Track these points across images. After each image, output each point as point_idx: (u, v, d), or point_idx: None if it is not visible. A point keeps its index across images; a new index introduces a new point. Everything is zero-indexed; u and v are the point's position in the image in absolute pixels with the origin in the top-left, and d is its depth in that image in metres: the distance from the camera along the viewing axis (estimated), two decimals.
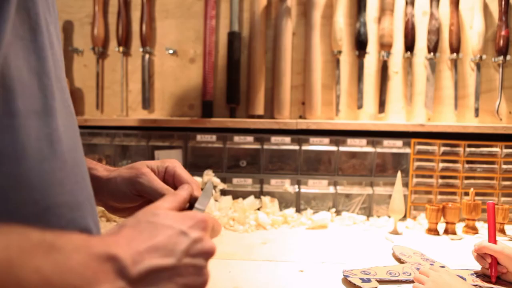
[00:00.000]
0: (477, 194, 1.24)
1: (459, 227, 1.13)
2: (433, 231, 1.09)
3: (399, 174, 1.10)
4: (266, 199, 1.21)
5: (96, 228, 0.45)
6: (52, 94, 0.40)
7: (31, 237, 0.30)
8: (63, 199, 0.40)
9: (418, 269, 0.79)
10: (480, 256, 0.77)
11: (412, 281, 0.73)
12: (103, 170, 0.58)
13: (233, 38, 1.30)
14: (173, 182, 0.56)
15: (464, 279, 0.74)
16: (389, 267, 0.80)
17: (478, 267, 0.80)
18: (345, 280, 0.74)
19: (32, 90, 0.39)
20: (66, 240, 0.33)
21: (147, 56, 1.34)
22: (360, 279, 0.73)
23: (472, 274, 0.78)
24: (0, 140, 0.35)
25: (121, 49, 1.35)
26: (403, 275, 0.76)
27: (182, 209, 0.48)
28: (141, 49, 1.34)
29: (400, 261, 0.86)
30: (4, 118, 0.36)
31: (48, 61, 0.41)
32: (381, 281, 0.73)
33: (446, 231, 1.09)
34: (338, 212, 1.23)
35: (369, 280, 0.72)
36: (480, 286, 0.73)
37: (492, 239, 0.77)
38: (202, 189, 0.53)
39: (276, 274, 0.78)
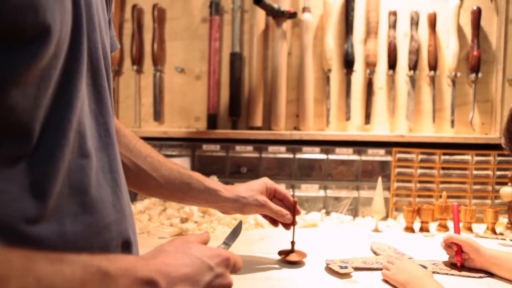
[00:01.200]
0: (451, 197, 1.40)
1: (433, 225, 1.29)
2: (409, 229, 1.24)
3: (379, 179, 1.26)
4: None
5: (133, 236, 0.55)
6: (106, 131, 0.50)
7: (91, 269, 0.36)
8: (114, 217, 0.50)
9: (391, 261, 0.94)
10: (448, 245, 0.93)
11: (381, 268, 0.88)
12: (225, 191, 0.85)
13: (235, 58, 1.46)
14: (274, 195, 0.91)
15: (425, 267, 0.90)
16: (365, 258, 0.96)
17: (442, 259, 0.95)
18: (327, 268, 0.90)
19: (93, 131, 0.48)
20: (117, 267, 0.39)
21: (158, 73, 1.51)
22: (339, 266, 0.88)
23: (434, 264, 0.93)
24: (73, 177, 0.44)
25: (134, 67, 1.51)
26: (375, 264, 0.92)
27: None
28: (152, 68, 1.50)
29: (375, 253, 1.01)
30: (78, 159, 0.44)
31: (104, 101, 0.50)
32: (356, 268, 0.89)
33: (421, 229, 1.25)
34: (327, 213, 1.39)
35: (346, 267, 0.88)
36: (438, 272, 0.88)
37: (457, 232, 0.93)
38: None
39: (271, 266, 0.93)
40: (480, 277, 0.87)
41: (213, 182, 0.87)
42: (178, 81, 1.52)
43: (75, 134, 0.44)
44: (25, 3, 0.36)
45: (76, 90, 0.44)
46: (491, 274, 0.87)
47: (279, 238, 1.14)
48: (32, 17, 0.37)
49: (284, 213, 0.89)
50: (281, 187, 0.96)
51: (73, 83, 0.44)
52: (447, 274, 0.88)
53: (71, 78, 0.44)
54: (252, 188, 0.88)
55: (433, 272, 0.88)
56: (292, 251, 0.95)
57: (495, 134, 1.49)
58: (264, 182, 0.91)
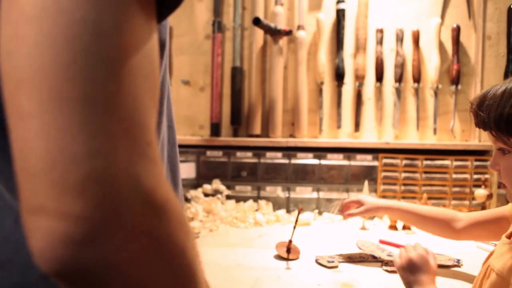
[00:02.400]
0: (432, 198, 1.53)
1: None
2: (393, 227, 1.38)
3: (366, 183, 1.40)
4: (262, 202, 1.51)
5: None
6: (163, 158, 0.48)
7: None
8: None
9: (372, 255, 1.08)
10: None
11: (361, 261, 1.02)
12: None
13: (236, 71, 1.60)
14: None
15: None
16: (350, 253, 1.10)
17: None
18: (316, 262, 1.03)
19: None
20: None
21: None
22: (327, 261, 1.02)
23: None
24: None
25: None
26: (358, 258, 1.05)
27: None
28: None
29: (360, 249, 1.15)
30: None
31: (162, 126, 0.48)
32: (341, 262, 1.03)
33: (404, 228, 1.39)
34: (320, 213, 1.53)
35: (332, 261, 1.02)
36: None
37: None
38: None
39: (268, 258, 1.07)
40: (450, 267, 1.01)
41: None
42: (184, 93, 1.66)
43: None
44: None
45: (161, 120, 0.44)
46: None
47: (276, 235, 1.28)
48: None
49: None
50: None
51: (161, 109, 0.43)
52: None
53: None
54: None
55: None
56: (289, 248, 1.08)
57: (474, 141, 1.63)
58: None
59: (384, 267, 1.00)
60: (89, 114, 0.23)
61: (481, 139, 1.63)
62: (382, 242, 1.22)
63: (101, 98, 0.24)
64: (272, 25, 1.51)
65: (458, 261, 1.04)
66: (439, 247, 1.14)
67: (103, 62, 0.24)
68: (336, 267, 1.00)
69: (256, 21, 1.43)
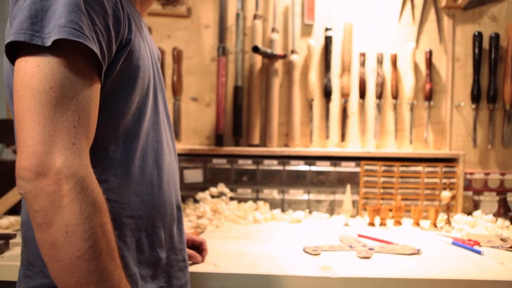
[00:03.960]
0: (407, 199, 1.78)
1: (390, 221, 1.67)
2: (371, 224, 1.62)
3: (348, 186, 1.64)
4: (260, 203, 1.76)
5: None
6: (143, 149, 0.76)
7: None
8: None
9: (349, 246, 1.32)
10: None
11: (340, 250, 1.26)
12: None
13: (237, 90, 1.85)
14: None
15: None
16: (332, 245, 1.34)
17: (384, 245, 1.33)
18: (304, 251, 1.28)
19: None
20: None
21: (176, 102, 1.89)
22: (312, 250, 1.26)
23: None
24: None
25: None
26: (339, 248, 1.30)
27: None
28: (172, 97, 1.89)
29: (341, 242, 1.40)
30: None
31: (162, 135, 0.83)
32: (323, 251, 1.27)
33: (381, 224, 1.63)
34: (310, 212, 1.78)
35: (316, 250, 1.26)
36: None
37: None
38: None
39: (265, 249, 1.31)
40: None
41: None
42: (192, 108, 1.91)
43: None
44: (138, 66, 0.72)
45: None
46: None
47: (271, 230, 1.52)
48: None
49: (192, 255, 1.10)
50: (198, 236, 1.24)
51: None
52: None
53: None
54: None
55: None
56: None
57: (445, 150, 1.87)
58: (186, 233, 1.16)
59: (358, 254, 1.25)
60: (44, 126, 0.56)
61: (451, 147, 1.87)
62: (360, 236, 1.46)
63: (51, 118, 0.56)
64: (269, 51, 1.76)
65: (418, 250, 1.28)
66: (404, 239, 1.39)
67: (51, 100, 0.56)
68: (318, 254, 1.24)
69: (255, 49, 1.68)
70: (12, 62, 0.61)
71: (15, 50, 0.59)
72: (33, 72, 0.56)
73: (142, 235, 0.75)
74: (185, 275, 0.89)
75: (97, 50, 0.60)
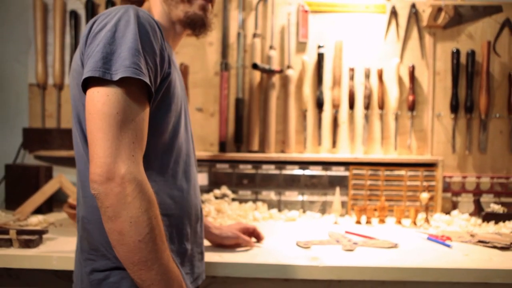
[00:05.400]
0: (391, 200, 1.97)
1: (375, 220, 1.86)
2: (358, 222, 1.82)
3: (337, 189, 1.84)
4: (259, 203, 1.95)
5: None
6: (176, 161, 1.00)
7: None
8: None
9: (337, 241, 1.52)
10: None
11: (328, 244, 1.45)
12: (214, 228, 1.35)
13: (239, 102, 2.04)
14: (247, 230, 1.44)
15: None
16: (321, 240, 1.53)
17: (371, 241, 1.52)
18: (296, 245, 1.47)
19: None
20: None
21: None
22: (303, 243, 1.46)
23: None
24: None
25: None
26: (327, 243, 1.49)
27: None
28: None
29: (330, 237, 1.59)
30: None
31: (190, 149, 1.04)
32: (314, 245, 1.46)
33: (367, 222, 1.82)
34: (304, 212, 1.97)
35: (307, 245, 1.45)
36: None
37: None
38: None
39: (263, 243, 1.50)
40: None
41: (207, 220, 1.34)
42: (198, 117, 2.10)
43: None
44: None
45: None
46: None
47: (269, 228, 1.71)
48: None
49: (248, 240, 1.38)
50: (249, 223, 1.53)
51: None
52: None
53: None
54: (231, 227, 1.39)
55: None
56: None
57: (427, 155, 2.07)
58: (238, 223, 1.43)
59: (343, 248, 1.44)
60: (111, 142, 0.75)
61: (432, 153, 2.07)
62: (347, 232, 1.65)
63: (117, 136, 0.76)
64: (267, 67, 1.96)
65: (396, 244, 1.47)
66: (385, 235, 1.58)
67: (117, 122, 0.76)
68: (309, 247, 1.43)
69: (254, 66, 1.88)
70: (84, 90, 0.81)
71: (86, 82, 0.80)
72: (104, 100, 0.76)
73: (173, 230, 0.95)
74: (202, 265, 1.09)
75: (150, 83, 0.81)
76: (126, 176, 0.75)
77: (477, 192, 2.02)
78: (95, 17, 0.87)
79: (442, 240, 1.53)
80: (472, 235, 1.60)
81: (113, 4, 2.05)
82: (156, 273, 0.77)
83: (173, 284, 0.80)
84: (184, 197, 0.98)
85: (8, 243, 1.32)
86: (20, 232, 1.34)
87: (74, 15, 2.07)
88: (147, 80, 0.80)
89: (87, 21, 2.07)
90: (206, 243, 1.28)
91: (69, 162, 2.06)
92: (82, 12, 2.08)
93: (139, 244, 0.75)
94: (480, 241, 1.51)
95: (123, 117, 0.76)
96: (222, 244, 1.36)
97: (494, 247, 1.47)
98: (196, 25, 1.04)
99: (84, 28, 2.00)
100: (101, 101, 0.76)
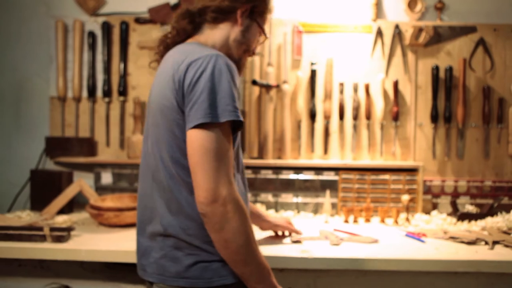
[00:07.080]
0: (376, 202, 2.19)
1: (362, 220, 2.08)
2: (346, 221, 2.03)
3: (327, 191, 2.06)
4: (258, 205, 2.17)
5: None
6: (241, 182, 1.26)
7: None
8: None
9: (326, 237, 1.73)
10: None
11: (318, 240, 1.67)
12: (267, 216, 1.66)
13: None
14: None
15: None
16: (312, 236, 1.74)
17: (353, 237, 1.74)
18: (291, 240, 1.69)
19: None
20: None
21: None
22: (297, 239, 1.67)
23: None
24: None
25: None
26: (317, 239, 1.71)
27: None
28: None
29: (320, 234, 1.80)
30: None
31: (241, 163, 1.28)
32: (305, 240, 1.68)
33: (354, 221, 2.04)
34: (298, 212, 2.19)
35: (300, 240, 1.67)
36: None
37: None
38: None
39: (265, 238, 1.72)
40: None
41: (260, 210, 1.67)
42: None
43: None
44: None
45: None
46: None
47: None
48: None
49: (297, 230, 1.71)
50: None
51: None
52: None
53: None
54: (278, 218, 1.71)
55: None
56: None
57: (410, 161, 2.29)
58: (282, 217, 1.76)
59: (330, 243, 1.65)
60: (214, 171, 0.99)
61: (415, 159, 2.29)
62: (335, 230, 1.87)
63: (217, 166, 0.99)
64: (265, 82, 2.18)
65: (376, 239, 1.69)
66: (369, 232, 1.80)
67: (216, 155, 1.00)
68: (300, 242, 1.65)
69: (254, 82, 2.10)
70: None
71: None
72: (207, 138, 0.98)
73: None
74: None
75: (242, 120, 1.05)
76: (227, 197, 0.97)
77: (455, 195, 2.24)
78: (187, 61, 1.04)
79: (418, 236, 1.75)
80: (445, 232, 1.81)
81: (127, 26, 2.28)
82: (252, 268, 1.04)
83: (264, 274, 1.07)
84: (246, 200, 1.26)
85: (42, 238, 1.54)
86: (52, 229, 1.56)
87: (92, 35, 2.29)
88: (241, 119, 1.03)
89: (103, 40, 2.29)
90: None
91: (86, 167, 2.28)
92: (98, 33, 2.31)
93: (241, 248, 1.01)
94: (451, 237, 1.73)
95: (222, 151, 0.98)
96: (274, 229, 1.69)
97: (462, 242, 1.68)
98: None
99: (100, 46, 2.23)
100: (205, 138, 0.97)
